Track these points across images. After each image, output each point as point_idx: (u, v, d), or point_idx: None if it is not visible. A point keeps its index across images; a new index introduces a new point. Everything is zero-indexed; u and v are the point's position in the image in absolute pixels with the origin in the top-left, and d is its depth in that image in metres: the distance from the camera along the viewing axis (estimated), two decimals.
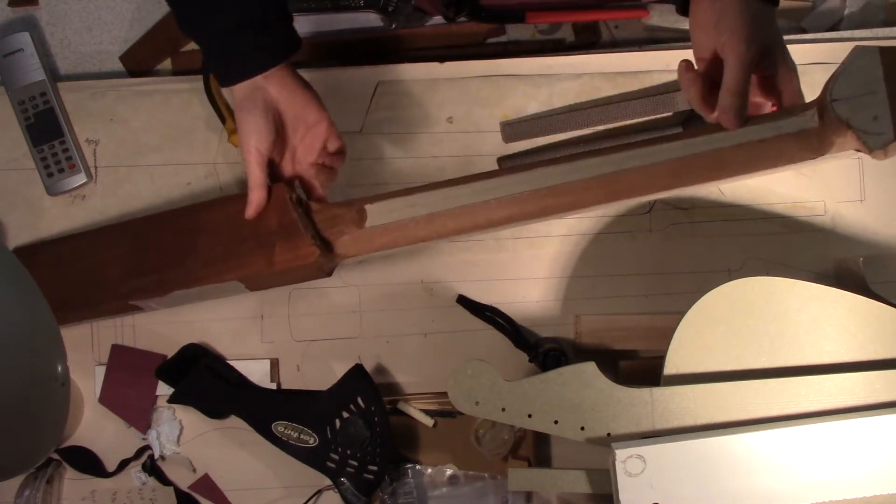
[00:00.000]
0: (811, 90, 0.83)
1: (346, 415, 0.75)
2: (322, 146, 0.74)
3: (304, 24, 0.87)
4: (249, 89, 0.69)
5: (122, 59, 0.88)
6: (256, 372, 0.82)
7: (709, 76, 0.68)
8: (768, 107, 0.69)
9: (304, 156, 0.74)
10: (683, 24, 0.86)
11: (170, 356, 0.81)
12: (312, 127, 0.73)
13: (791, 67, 0.68)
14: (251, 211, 0.71)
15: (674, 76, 0.83)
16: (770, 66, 0.67)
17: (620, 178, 0.67)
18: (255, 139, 0.70)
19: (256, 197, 0.71)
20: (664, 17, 0.86)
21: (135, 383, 0.82)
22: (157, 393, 0.82)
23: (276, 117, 0.70)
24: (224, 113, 0.83)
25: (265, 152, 0.70)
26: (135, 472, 0.82)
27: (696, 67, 0.69)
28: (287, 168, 0.74)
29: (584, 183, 0.67)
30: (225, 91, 0.80)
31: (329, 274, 0.74)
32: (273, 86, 0.70)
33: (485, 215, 0.69)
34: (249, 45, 0.68)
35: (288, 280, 0.75)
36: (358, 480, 0.75)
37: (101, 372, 0.83)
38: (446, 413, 0.81)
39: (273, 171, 0.73)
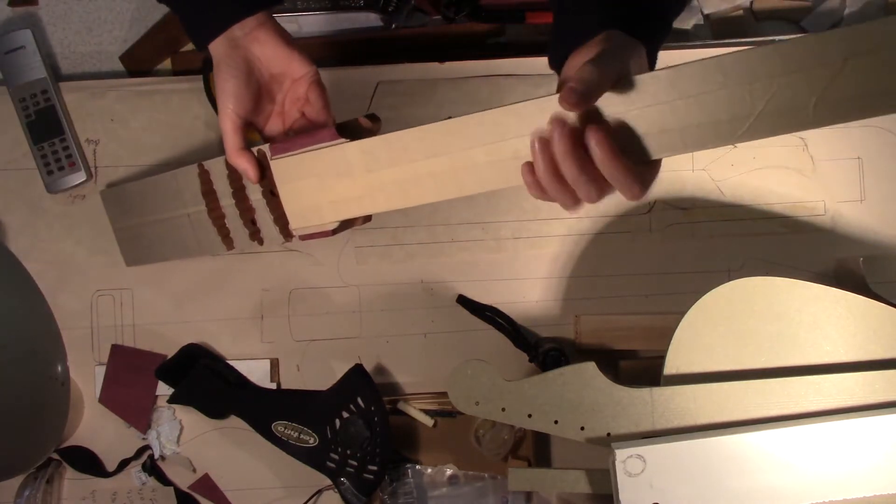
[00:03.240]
0: None
1: (346, 415, 0.75)
2: (304, 97, 0.69)
3: (304, 24, 0.87)
4: (228, 47, 0.65)
5: (122, 59, 0.88)
6: (256, 372, 0.82)
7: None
8: None
9: (290, 108, 0.70)
10: (684, 23, 0.86)
11: (170, 356, 0.81)
12: (297, 80, 0.68)
13: None
14: (251, 175, 0.68)
15: None
16: None
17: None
18: (234, 104, 0.65)
19: (240, 163, 0.67)
20: None
21: (135, 383, 0.82)
22: (157, 393, 0.82)
23: (258, 78, 0.66)
24: None
25: (243, 117, 0.66)
26: (135, 472, 0.82)
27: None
28: (276, 125, 0.70)
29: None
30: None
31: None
32: (254, 43, 0.65)
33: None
34: None
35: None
36: (358, 480, 0.75)
37: (101, 372, 0.83)
38: (446, 413, 0.81)
39: (262, 132, 0.69)
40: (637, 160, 0.52)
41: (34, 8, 0.88)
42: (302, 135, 0.65)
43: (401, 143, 0.60)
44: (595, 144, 0.50)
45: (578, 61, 0.53)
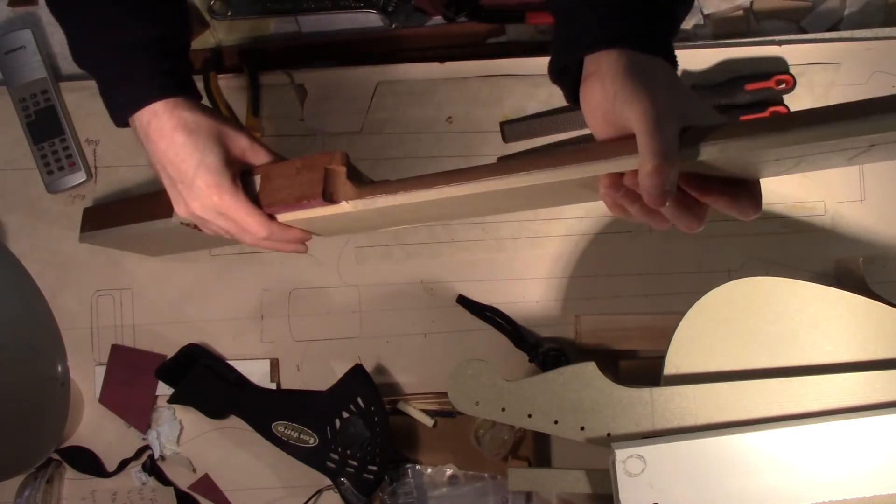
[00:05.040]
0: (810, 90, 0.83)
1: (346, 415, 0.75)
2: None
3: (304, 24, 0.87)
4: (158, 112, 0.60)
5: None
6: (256, 372, 0.82)
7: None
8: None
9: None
10: (684, 23, 0.86)
11: (170, 356, 0.81)
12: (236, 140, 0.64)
13: None
14: (298, 245, 0.66)
15: None
16: None
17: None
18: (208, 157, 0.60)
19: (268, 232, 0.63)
20: None
21: (135, 383, 0.82)
22: (157, 393, 0.82)
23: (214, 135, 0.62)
24: (224, 113, 0.83)
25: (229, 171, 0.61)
26: (135, 472, 0.82)
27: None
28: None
29: None
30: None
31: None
32: (186, 109, 0.61)
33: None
34: (153, 66, 0.60)
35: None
36: (358, 480, 0.75)
37: (101, 372, 0.83)
38: (446, 413, 0.81)
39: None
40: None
41: (34, 8, 0.88)
42: (288, 204, 0.62)
43: (412, 204, 0.58)
44: (700, 198, 0.49)
45: (596, 90, 0.50)
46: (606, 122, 0.51)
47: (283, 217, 0.63)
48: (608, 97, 0.49)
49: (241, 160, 0.64)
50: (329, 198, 0.60)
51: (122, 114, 0.61)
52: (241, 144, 0.63)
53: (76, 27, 0.61)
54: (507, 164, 0.54)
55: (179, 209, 0.63)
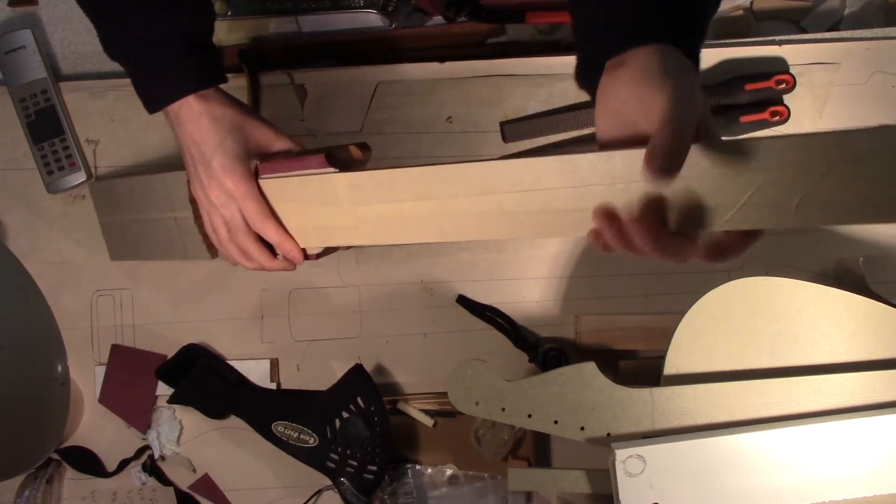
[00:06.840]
0: (810, 90, 0.83)
1: (346, 415, 0.75)
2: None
3: (304, 24, 0.87)
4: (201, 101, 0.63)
5: None
6: (256, 372, 0.82)
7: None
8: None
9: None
10: None
11: (170, 356, 0.81)
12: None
13: None
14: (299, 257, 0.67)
15: None
16: None
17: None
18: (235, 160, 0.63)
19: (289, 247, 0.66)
20: None
21: (135, 383, 0.82)
22: (157, 393, 0.82)
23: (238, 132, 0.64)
24: None
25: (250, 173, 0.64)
26: (135, 472, 0.82)
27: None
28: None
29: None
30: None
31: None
32: (214, 99, 0.64)
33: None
34: (184, 60, 0.62)
35: None
36: (358, 480, 0.75)
37: (101, 372, 0.83)
38: (446, 413, 0.81)
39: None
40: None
41: (34, 8, 0.88)
42: (291, 158, 0.65)
43: (389, 180, 0.59)
44: (636, 237, 0.49)
45: (623, 79, 0.50)
46: (618, 115, 0.51)
47: (270, 179, 0.64)
48: (633, 87, 0.49)
49: (265, 151, 0.66)
50: (330, 159, 0.62)
51: (155, 105, 0.64)
52: (265, 136, 0.66)
53: (105, 22, 0.63)
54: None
55: (197, 192, 0.66)
